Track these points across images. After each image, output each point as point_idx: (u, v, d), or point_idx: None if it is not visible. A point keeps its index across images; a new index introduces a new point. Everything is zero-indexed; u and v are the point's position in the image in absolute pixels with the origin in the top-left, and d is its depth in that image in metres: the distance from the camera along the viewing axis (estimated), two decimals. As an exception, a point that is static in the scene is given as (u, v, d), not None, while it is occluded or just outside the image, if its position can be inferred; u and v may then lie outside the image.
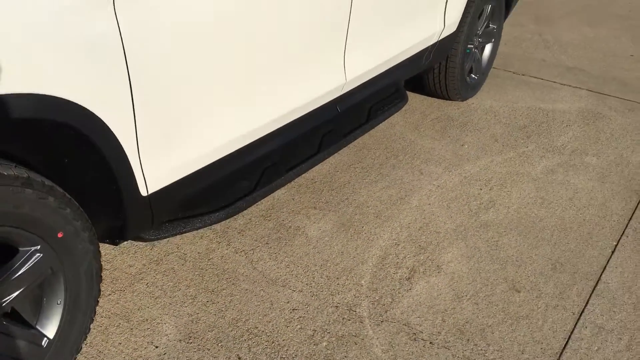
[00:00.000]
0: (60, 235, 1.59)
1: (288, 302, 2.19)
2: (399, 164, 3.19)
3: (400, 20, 2.81)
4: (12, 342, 1.59)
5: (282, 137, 2.34)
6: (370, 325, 2.12)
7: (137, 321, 2.09)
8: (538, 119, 3.81)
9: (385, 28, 2.71)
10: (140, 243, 2.40)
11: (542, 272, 2.46)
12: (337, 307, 2.20)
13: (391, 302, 2.24)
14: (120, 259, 2.36)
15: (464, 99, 3.98)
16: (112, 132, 1.59)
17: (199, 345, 2.00)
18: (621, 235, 2.71)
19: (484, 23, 3.88)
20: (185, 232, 2.07)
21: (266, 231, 2.57)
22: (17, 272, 1.54)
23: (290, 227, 2.61)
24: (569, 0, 6.78)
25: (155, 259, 2.37)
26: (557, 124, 3.74)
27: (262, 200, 2.69)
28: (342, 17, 2.36)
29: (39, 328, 1.66)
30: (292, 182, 2.89)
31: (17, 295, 1.55)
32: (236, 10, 1.89)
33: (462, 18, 3.46)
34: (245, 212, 2.63)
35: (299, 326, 2.10)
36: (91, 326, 1.82)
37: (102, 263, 1.86)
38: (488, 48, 4.11)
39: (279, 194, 2.81)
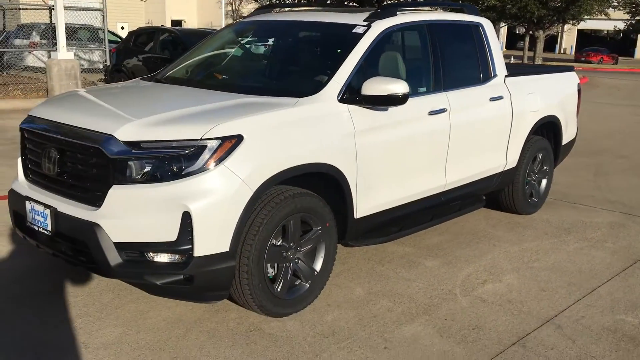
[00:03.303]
0: (327, 224, 3.83)
1: (419, 289, 4.24)
2: (481, 241, 5.25)
3: (476, 156, 5.06)
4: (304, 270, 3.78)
5: (417, 205, 4.55)
6: (460, 296, 4.12)
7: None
8: (578, 225, 5.78)
9: (467, 160, 4.95)
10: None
11: (561, 285, 4.36)
12: (442, 289, 4.23)
13: (471, 290, 4.23)
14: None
15: (528, 213, 6.04)
16: (347, 181, 3.87)
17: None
18: (616, 275, 4.58)
19: (538, 164, 6.05)
20: (371, 245, 4.28)
21: (402, 261, 4.68)
22: (310, 237, 3.77)
23: (416, 262, 4.71)
24: (628, 161, 8.86)
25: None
26: (591, 228, 5.70)
27: (396, 250, 4.85)
28: (443, 153, 4.64)
29: (314, 266, 3.85)
30: (413, 244, 5.03)
31: (307, 248, 3.77)
32: (402, 146, 4.23)
33: (520, 159, 5.66)
34: (385, 255, 4.78)
35: (422, 294, 4.13)
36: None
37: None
38: (544, 182, 6.23)
39: (407, 249, 4.94)
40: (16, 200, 3.78)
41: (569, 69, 6.67)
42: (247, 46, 4.96)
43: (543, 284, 4.38)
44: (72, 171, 3.48)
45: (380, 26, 4.31)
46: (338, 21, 4.48)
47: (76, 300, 3.85)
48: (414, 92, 4.50)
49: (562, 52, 64.97)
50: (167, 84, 4.43)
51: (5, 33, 17.82)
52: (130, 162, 3.24)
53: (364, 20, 4.34)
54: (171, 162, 3.23)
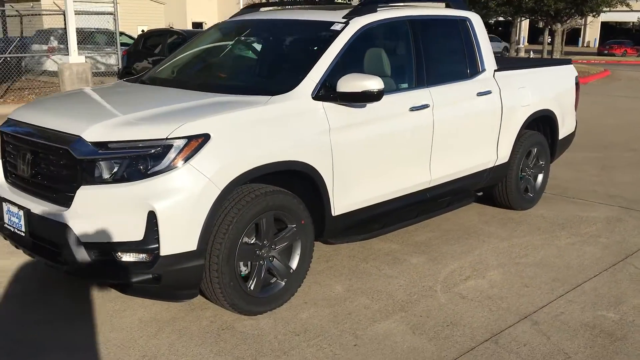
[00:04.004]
0: (302, 222, 3.83)
1: (400, 286, 4.22)
2: (470, 237, 5.20)
3: (463, 152, 5.01)
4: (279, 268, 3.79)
5: (400, 202, 4.52)
6: (440, 292, 4.09)
7: (322, 286, 4.22)
8: (574, 220, 5.70)
9: (453, 155, 4.90)
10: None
11: (545, 281, 4.31)
12: (423, 286, 4.20)
13: (452, 286, 4.20)
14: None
15: (523, 209, 5.97)
16: (322, 178, 3.86)
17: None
18: (604, 270, 4.50)
19: (533, 159, 5.97)
20: (351, 242, 4.27)
21: (387, 258, 4.66)
22: (285, 235, 3.78)
23: (401, 259, 4.68)
24: (636, 154, 8.71)
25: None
26: (586, 223, 5.61)
27: (382, 247, 4.83)
28: (426, 150, 4.60)
29: (290, 264, 3.85)
30: (401, 241, 5.00)
31: (282, 246, 3.78)
32: (381, 143, 4.20)
33: (512, 154, 5.59)
34: (371, 253, 4.76)
35: (401, 291, 4.11)
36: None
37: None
38: (540, 177, 6.14)
39: (394, 246, 4.92)
40: (-5, 202, 3.85)
41: (566, 61, 6.57)
42: (229, 46, 4.97)
43: (527, 280, 4.32)
44: (44, 172, 3.54)
45: (359, 23, 4.30)
46: (317, 19, 4.48)
47: (56, 300, 3.91)
48: (394, 88, 4.50)
49: (585, 45, 63.97)
50: (148, 85, 4.47)
51: (18, 39, 18.12)
52: (97, 163, 3.28)
53: (343, 17, 4.34)
54: (138, 162, 3.27)
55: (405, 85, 4.60)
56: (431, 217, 4.98)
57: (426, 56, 4.69)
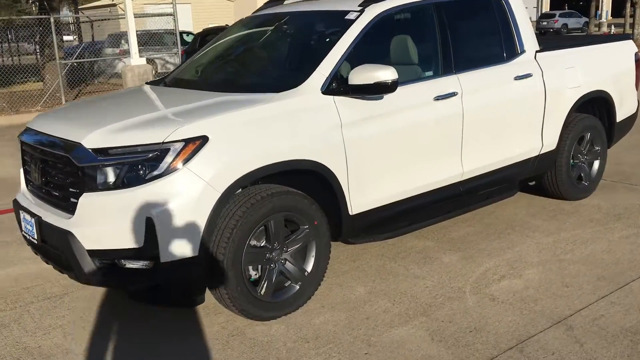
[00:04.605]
0: (315, 223, 3.66)
1: (426, 287, 3.98)
2: (513, 232, 4.87)
3: (501, 141, 4.67)
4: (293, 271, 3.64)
5: (428, 197, 4.27)
6: (468, 294, 3.82)
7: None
8: (633, 210, 5.23)
9: (489, 145, 4.57)
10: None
11: (589, 280, 3.94)
12: (452, 287, 3.94)
13: (484, 287, 3.92)
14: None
15: (576, 199, 5.54)
16: (335, 176, 3.68)
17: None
18: (656, 266, 4.09)
19: (587, 145, 5.52)
20: (374, 241, 4.06)
21: (418, 256, 4.42)
22: (297, 237, 3.63)
23: (433, 257, 4.43)
24: None
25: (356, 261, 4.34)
26: (645, 212, 5.13)
27: (415, 244, 4.59)
28: (456, 141, 4.31)
29: (305, 267, 3.70)
30: (437, 237, 4.74)
31: (295, 248, 3.63)
32: (401, 136, 3.96)
33: (560, 140, 5.18)
34: (402, 250, 4.53)
35: (427, 293, 3.87)
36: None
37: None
38: (596, 163, 5.68)
39: (429, 243, 4.66)
40: (16, 210, 3.91)
41: (625, 37, 6.05)
42: (243, 43, 4.85)
43: (568, 279, 3.98)
44: (53, 180, 3.55)
45: (375, 10, 4.07)
46: (331, 8, 4.28)
47: (77, 306, 3.93)
48: (417, 77, 4.24)
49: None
50: (166, 87, 4.42)
51: (82, 44, 18.81)
52: (98, 169, 3.24)
53: (359, 5, 4.12)
54: (137, 167, 3.20)
55: (430, 73, 4.32)
56: (468, 211, 4.69)
57: (454, 41, 4.39)
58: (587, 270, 4.10)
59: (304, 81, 3.69)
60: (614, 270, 4.08)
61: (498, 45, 4.77)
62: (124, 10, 15.77)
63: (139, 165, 3.19)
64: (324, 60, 3.78)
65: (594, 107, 5.68)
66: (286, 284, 3.68)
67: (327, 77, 3.73)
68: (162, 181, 3.16)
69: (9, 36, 21.03)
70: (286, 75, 4.09)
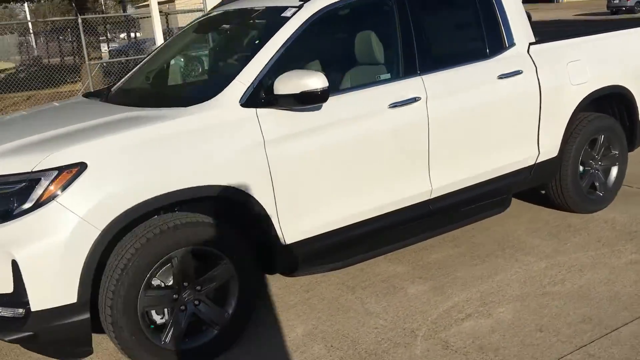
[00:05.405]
0: (236, 256, 3.16)
1: (375, 328, 3.41)
2: (503, 255, 4.20)
3: (482, 151, 4.00)
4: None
5: (388, 219, 3.67)
6: (420, 339, 3.23)
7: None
8: (650, 226, 4.45)
9: (466, 157, 3.92)
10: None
11: (570, 322, 3.27)
12: (404, 329, 3.35)
13: (442, 330, 3.31)
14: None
15: (588, 211, 4.78)
16: (259, 202, 3.16)
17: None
18: (659, 305, 3.35)
19: (601, 148, 4.75)
20: (312, 274, 3.51)
21: (382, 286, 3.84)
22: (213, 274, 3.14)
23: (398, 287, 3.84)
24: None
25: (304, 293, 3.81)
26: (665, 229, 4.34)
27: (385, 270, 4.00)
28: (420, 153, 3.69)
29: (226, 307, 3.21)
30: (412, 260, 4.13)
31: (212, 287, 3.14)
32: (345, 152, 3.39)
33: (563, 145, 4.45)
34: (368, 277, 3.96)
35: (372, 336, 3.30)
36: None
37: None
38: (614, 170, 4.89)
39: (400, 268, 4.07)
40: None
41: (651, 21, 5.20)
42: (179, 48, 4.34)
43: (546, 321, 3.31)
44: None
45: (316, 5, 3.50)
46: (270, 4, 3.73)
47: None
48: (367, 82, 3.65)
49: None
50: (92, 100, 3.95)
51: (129, 42, 18.86)
52: (-33, 204, 2.85)
53: (300, 0, 3.56)
54: (5, 201, 2.79)
55: (386, 76, 3.72)
56: (447, 231, 4.08)
57: (419, 36, 3.76)
58: (573, 308, 3.42)
59: (219, 92, 3.18)
60: (606, 308, 3.38)
61: (478, 38, 4.09)
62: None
63: (7, 198, 2.77)
64: (246, 67, 3.25)
65: (611, 105, 4.90)
66: (204, 328, 3.20)
67: (248, 87, 3.20)
68: (30, 217, 2.74)
69: (65, 36, 21.40)
70: (203, 86, 3.59)
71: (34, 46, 25.31)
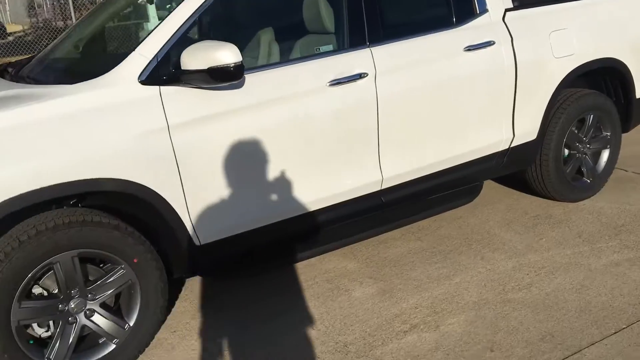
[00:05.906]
0: (135, 260, 2.72)
1: (305, 337, 2.98)
2: (468, 251, 3.71)
3: (443, 135, 3.48)
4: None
5: (327, 214, 3.21)
6: (350, 358, 2.78)
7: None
8: (640, 219, 3.92)
9: (424, 141, 3.41)
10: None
11: (528, 340, 2.79)
12: (337, 342, 2.91)
13: (380, 345, 2.86)
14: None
15: (572, 200, 4.26)
16: (162, 197, 2.70)
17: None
18: (634, 322, 2.86)
19: (589, 130, 4.20)
20: (238, 277, 3.06)
21: (327, 287, 3.39)
22: (107, 281, 2.70)
23: (342, 289, 3.38)
24: None
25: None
26: (656, 224, 3.82)
27: (334, 267, 3.55)
28: (367, 139, 3.18)
29: (126, 318, 2.79)
30: (367, 256, 3.67)
31: (107, 295, 2.71)
32: (274, 138, 2.90)
33: (543, 126, 3.92)
34: (314, 275, 3.50)
35: (291, 353, 2.86)
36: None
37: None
38: (605, 153, 4.35)
39: (352, 264, 3.61)
40: None
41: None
42: (95, 16, 3.82)
43: (499, 337, 2.84)
44: None
45: (241, -37, 2.98)
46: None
47: None
48: (303, 54, 3.14)
49: None
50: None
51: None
52: None
53: (224, -42, 3.02)
54: None
55: (327, 48, 3.19)
56: (403, 225, 3.63)
57: (369, 2, 3.22)
58: (535, 321, 2.94)
59: (114, 67, 2.69)
60: (572, 323, 2.90)
61: (442, 4, 3.53)
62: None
63: None
64: (149, 36, 2.76)
65: (604, 80, 4.34)
66: (100, 341, 2.78)
67: (150, 60, 2.71)
68: None
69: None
70: (99, 60, 3.09)
71: (45, 8, 24.79)
